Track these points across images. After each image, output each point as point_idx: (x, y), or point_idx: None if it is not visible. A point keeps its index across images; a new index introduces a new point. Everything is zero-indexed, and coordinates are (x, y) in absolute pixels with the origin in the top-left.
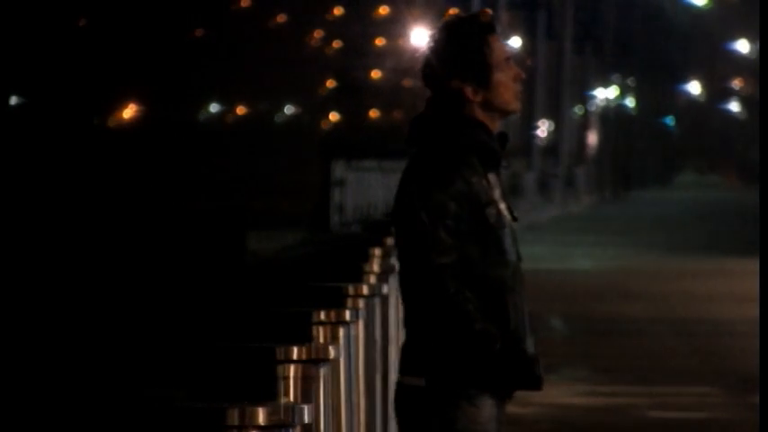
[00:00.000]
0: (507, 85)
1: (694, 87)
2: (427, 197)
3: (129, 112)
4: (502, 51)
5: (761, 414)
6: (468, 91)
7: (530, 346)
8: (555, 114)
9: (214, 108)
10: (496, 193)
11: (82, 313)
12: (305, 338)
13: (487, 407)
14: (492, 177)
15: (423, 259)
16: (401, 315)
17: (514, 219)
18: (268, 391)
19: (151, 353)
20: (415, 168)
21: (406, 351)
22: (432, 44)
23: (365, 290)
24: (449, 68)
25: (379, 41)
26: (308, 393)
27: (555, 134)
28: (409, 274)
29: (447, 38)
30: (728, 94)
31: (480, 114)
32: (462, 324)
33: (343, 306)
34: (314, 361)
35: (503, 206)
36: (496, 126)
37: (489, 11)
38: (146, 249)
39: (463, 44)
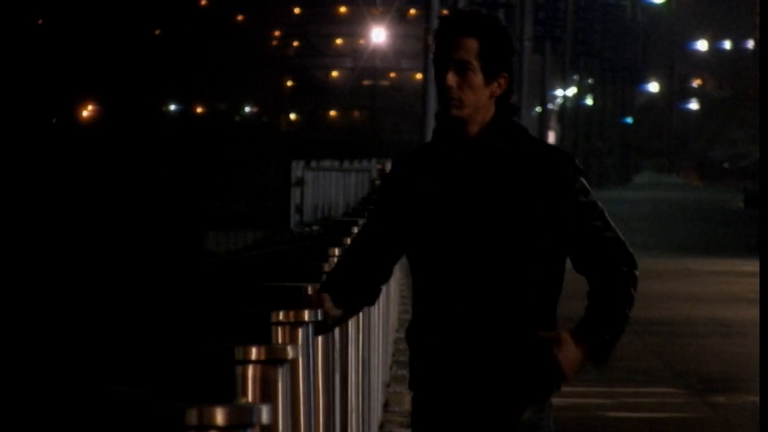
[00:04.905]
0: None
1: (653, 87)
2: None
3: (87, 111)
4: None
5: (761, 414)
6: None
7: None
8: None
9: (173, 108)
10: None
11: (39, 313)
12: (263, 339)
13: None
14: None
15: None
16: (358, 315)
17: None
18: (227, 392)
19: (108, 352)
20: None
21: None
22: None
23: None
24: None
25: (339, 41)
26: (266, 394)
27: None
28: None
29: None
30: (688, 93)
31: None
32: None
33: (301, 306)
34: (272, 361)
35: None
36: None
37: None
38: (103, 249)
39: None
